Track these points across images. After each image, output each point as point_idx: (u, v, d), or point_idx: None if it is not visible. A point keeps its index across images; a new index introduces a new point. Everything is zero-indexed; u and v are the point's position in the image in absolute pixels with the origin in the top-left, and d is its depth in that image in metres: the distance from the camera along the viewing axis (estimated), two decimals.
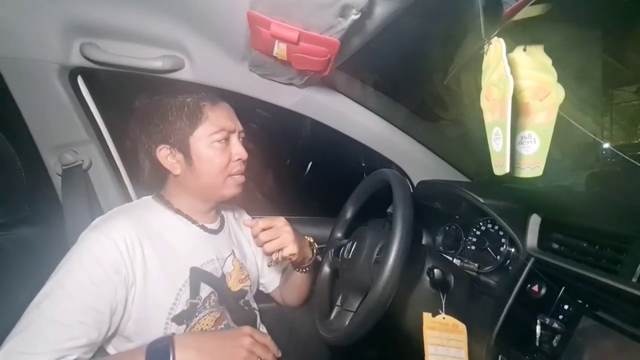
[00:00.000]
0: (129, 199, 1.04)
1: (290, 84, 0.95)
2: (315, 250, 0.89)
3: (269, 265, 0.79)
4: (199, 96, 0.78)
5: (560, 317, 0.57)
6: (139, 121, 0.78)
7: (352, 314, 0.77)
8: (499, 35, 0.41)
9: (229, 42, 0.82)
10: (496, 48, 0.41)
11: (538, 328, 0.58)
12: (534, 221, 0.69)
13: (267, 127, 1.47)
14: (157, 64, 0.86)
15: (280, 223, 0.78)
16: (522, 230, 0.71)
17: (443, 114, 1.03)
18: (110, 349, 0.69)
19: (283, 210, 1.32)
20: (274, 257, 0.77)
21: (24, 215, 0.76)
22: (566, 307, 0.57)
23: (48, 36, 0.80)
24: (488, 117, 0.46)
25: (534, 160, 0.46)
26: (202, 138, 0.75)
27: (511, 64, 0.41)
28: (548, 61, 0.45)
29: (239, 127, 0.81)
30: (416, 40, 0.85)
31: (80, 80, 0.92)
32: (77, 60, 0.85)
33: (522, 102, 0.45)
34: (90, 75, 0.94)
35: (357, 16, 0.61)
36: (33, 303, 0.60)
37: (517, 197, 0.76)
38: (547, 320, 0.57)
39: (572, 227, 0.65)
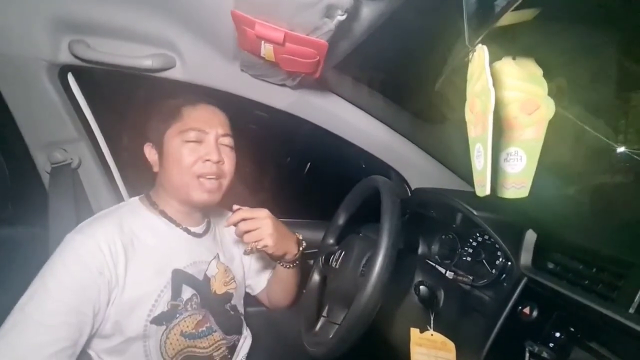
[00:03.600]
0: (120, 198, 1.03)
1: (284, 85, 0.92)
2: (301, 248, 0.86)
3: (244, 254, 0.79)
4: (184, 98, 0.79)
5: (551, 345, 0.53)
6: (132, 121, 0.84)
7: (336, 326, 0.74)
8: (483, 42, 0.37)
9: (219, 41, 0.80)
10: (479, 56, 0.38)
11: (527, 356, 0.54)
12: (530, 238, 0.65)
13: (262, 128, 1.45)
14: (147, 63, 0.84)
15: (262, 214, 0.78)
16: (517, 247, 0.66)
17: (444, 118, 0.98)
18: (90, 351, 0.68)
19: (279, 213, 1.30)
20: (249, 246, 0.77)
21: (7, 214, 0.75)
22: (557, 334, 0.53)
23: (36, 33, 0.79)
24: (471, 132, 0.42)
25: (519, 179, 0.42)
26: (173, 136, 0.75)
27: (498, 73, 0.37)
28: (539, 72, 0.41)
29: (220, 131, 0.78)
30: (414, 40, 0.81)
31: (70, 78, 0.91)
32: (65, 57, 0.83)
33: (509, 115, 0.41)
34: (81, 73, 0.92)
35: (343, 17, 0.58)
36: (18, 305, 0.60)
37: (513, 211, 0.71)
38: (536, 349, 0.53)
39: (570, 247, 0.60)
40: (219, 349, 0.78)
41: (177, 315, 0.72)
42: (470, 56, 0.40)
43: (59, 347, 0.58)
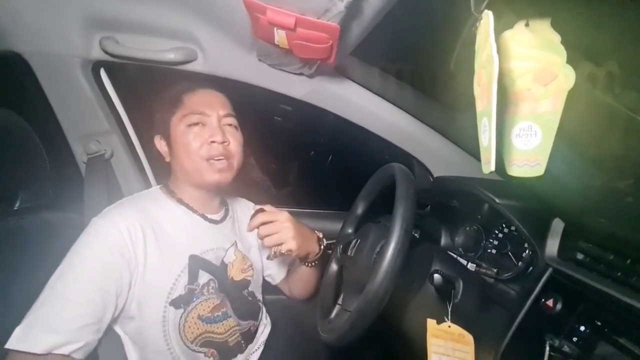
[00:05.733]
0: (149, 186, 1.09)
1: (301, 73, 0.92)
2: (322, 246, 0.87)
3: (267, 259, 0.80)
4: (183, 86, 0.81)
5: (575, 339, 0.49)
6: (147, 116, 0.84)
7: (349, 314, 0.74)
8: (491, 8, 0.35)
9: (236, 32, 0.82)
10: (485, 23, 0.35)
11: (547, 350, 0.51)
12: (556, 226, 0.60)
13: (287, 124, 1.46)
14: (170, 56, 0.88)
15: (282, 218, 0.77)
16: (542, 236, 0.62)
17: (466, 102, 0.94)
18: (117, 328, 0.73)
19: (302, 204, 1.31)
20: (272, 251, 0.77)
21: (47, 200, 0.82)
22: (582, 328, 0.49)
23: (71, 31, 0.84)
24: (478, 106, 0.40)
25: (533, 156, 0.39)
26: (178, 123, 0.77)
27: (508, 42, 0.34)
28: (556, 38, 0.37)
29: (221, 112, 0.79)
30: (432, 21, 0.78)
31: (103, 73, 0.97)
32: (97, 54, 0.89)
33: (521, 87, 0.38)
34: (113, 68, 0.98)
35: None
36: (48, 283, 0.65)
37: (539, 198, 0.66)
38: (557, 342, 0.49)
39: (602, 236, 0.55)
40: (233, 335, 0.80)
41: (194, 298, 0.74)
42: (477, 25, 0.37)
43: (85, 322, 0.63)
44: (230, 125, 0.81)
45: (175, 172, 0.81)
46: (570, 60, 0.38)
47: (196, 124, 0.76)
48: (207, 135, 0.76)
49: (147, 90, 1.13)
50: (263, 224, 0.76)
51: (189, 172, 0.78)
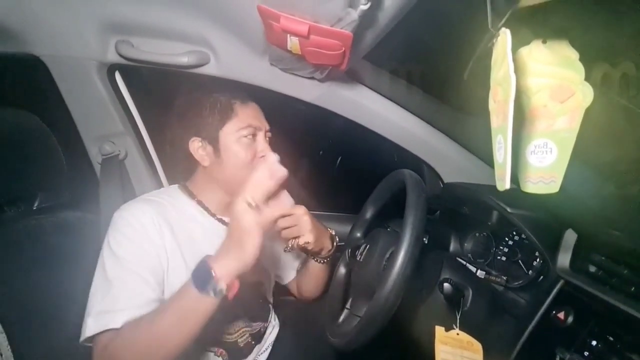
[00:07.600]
0: (161, 187, 1.11)
1: (312, 77, 0.93)
2: (335, 243, 0.88)
3: (284, 251, 0.81)
4: (231, 94, 0.81)
5: (586, 354, 0.49)
6: (177, 115, 0.82)
7: (358, 319, 0.74)
8: (509, 26, 0.34)
9: (249, 36, 0.82)
10: (502, 41, 0.35)
11: None
12: (569, 238, 0.60)
13: (295, 123, 1.47)
14: (183, 60, 0.89)
15: (300, 211, 0.79)
16: (554, 247, 0.61)
17: (479, 108, 0.93)
18: None
19: (310, 205, 1.31)
20: (289, 243, 0.79)
21: (64, 200, 0.84)
22: (594, 343, 0.49)
23: (87, 35, 0.86)
24: (493, 122, 0.39)
25: (549, 173, 0.38)
26: (230, 133, 0.77)
27: (525, 59, 0.34)
28: (574, 55, 0.37)
29: (266, 126, 0.82)
30: (443, 27, 0.77)
31: (117, 76, 0.99)
32: (113, 57, 0.90)
33: (537, 104, 0.38)
34: (127, 71, 1.00)
35: (367, 6, 0.57)
36: (95, 281, 0.66)
37: (552, 208, 0.66)
38: (568, 356, 0.49)
39: (616, 249, 0.54)
40: (242, 336, 0.82)
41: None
42: (494, 41, 0.37)
43: (140, 301, 0.63)
44: (269, 138, 0.84)
45: (212, 176, 0.80)
46: (583, 60, 0.38)
47: (247, 136, 0.78)
48: (258, 149, 0.79)
49: (161, 93, 1.15)
50: (282, 216, 0.77)
51: (230, 180, 0.78)
